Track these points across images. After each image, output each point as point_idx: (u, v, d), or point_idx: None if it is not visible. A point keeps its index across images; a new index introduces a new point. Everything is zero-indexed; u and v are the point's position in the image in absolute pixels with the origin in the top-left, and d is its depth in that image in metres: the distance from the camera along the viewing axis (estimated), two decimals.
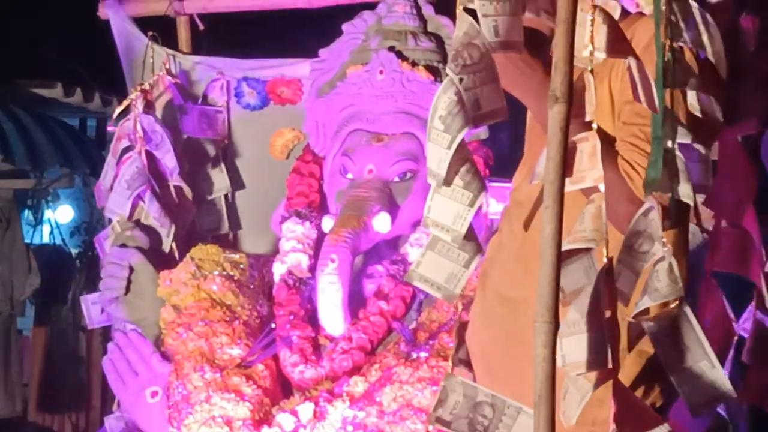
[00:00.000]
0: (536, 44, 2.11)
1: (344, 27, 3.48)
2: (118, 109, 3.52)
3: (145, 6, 3.76)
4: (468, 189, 2.00)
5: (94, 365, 7.58)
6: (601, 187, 1.89)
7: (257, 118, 3.68)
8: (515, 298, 2.43)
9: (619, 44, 1.92)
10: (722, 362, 2.30)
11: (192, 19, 3.76)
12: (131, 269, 3.30)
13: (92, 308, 3.37)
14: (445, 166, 1.96)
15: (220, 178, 3.64)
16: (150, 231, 3.40)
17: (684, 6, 1.96)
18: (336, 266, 3.06)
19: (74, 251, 8.40)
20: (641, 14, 2.33)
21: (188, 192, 3.54)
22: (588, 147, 1.91)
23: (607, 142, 2.11)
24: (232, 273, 3.30)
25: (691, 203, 1.93)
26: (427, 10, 3.41)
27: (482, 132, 3.29)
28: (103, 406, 7.15)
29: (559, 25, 1.83)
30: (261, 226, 3.58)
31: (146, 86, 3.53)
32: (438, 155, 1.95)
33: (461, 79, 1.93)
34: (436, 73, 3.30)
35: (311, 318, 3.19)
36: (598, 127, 1.93)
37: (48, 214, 8.59)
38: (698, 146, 1.96)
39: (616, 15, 1.95)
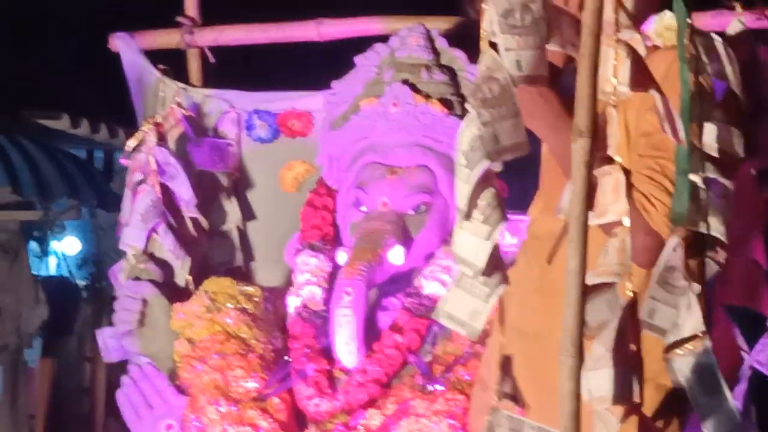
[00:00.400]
0: (550, 76, 2.12)
1: (357, 59, 3.47)
2: (130, 142, 3.51)
3: (156, 39, 3.76)
4: (486, 223, 2.00)
5: (97, 397, 7.56)
6: (626, 221, 1.89)
7: (268, 151, 3.67)
8: (533, 331, 2.43)
9: (642, 78, 1.92)
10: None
11: (203, 51, 3.76)
12: (145, 302, 3.29)
13: (109, 342, 3.36)
14: (466, 201, 1.96)
15: (231, 210, 3.63)
16: (164, 264, 3.39)
17: (706, 40, 1.96)
18: (351, 299, 3.05)
19: (81, 283, 8.39)
20: (656, 47, 2.34)
21: (204, 223, 3.53)
22: (611, 181, 1.91)
23: (624, 174, 2.11)
24: (246, 306, 3.28)
25: (724, 238, 1.92)
26: (441, 43, 3.40)
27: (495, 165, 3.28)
28: None
29: (582, 59, 1.83)
30: (274, 259, 3.56)
31: (158, 119, 3.53)
32: (461, 190, 1.95)
33: (480, 114, 1.93)
34: (449, 106, 3.30)
35: (326, 351, 3.17)
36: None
37: (55, 245, 8.59)
38: (724, 180, 1.96)
39: (641, 49, 1.95)
